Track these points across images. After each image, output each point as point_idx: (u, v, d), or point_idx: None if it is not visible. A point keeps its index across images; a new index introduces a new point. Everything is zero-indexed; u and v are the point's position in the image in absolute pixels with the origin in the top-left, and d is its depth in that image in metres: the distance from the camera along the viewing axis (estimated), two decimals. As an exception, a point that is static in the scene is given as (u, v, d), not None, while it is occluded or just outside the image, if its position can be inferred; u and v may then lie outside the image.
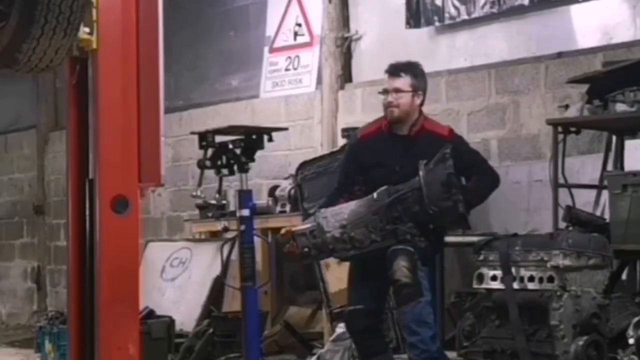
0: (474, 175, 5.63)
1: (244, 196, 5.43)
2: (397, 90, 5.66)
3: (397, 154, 5.59)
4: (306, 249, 5.53)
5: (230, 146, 5.58)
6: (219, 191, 5.73)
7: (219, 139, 5.71)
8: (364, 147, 5.76)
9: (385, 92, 5.70)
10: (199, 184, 5.68)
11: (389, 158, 5.59)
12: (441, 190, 5.24)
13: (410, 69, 5.77)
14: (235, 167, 5.58)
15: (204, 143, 5.54)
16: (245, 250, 5.43)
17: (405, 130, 5.68)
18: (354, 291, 5.71)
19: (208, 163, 5.46)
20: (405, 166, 5.46)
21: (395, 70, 5.76)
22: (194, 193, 5.72)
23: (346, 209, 5.48)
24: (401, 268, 5.30)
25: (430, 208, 5.26)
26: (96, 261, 4.80)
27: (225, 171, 5.62)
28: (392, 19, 8.46)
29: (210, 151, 5.56)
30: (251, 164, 5.64)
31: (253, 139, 5.70)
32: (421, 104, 5.73)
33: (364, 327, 5.61)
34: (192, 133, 5.84)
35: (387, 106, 5.69)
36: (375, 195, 5.41)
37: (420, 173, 5.29)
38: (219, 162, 5.51)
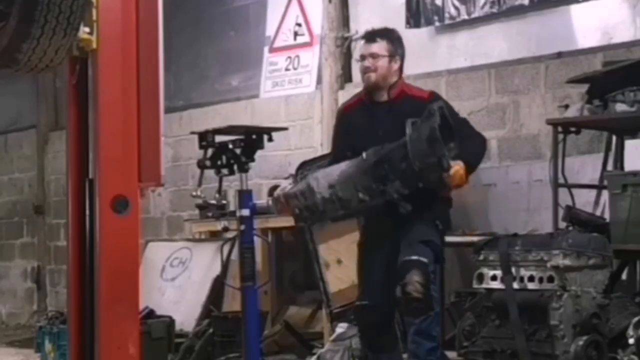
0: (462, 139, 5.47)
1: (244, 196, 5.42)
2: (374, 55, 5.65)
3: (379, 119, 5.58)
4: (297, 210, 5.48)
5: (230, 146, 5.56)
6: (219, 191, 5.70)
7: (219, 138, 5.71)
8: (347, 119, 5.79)
9: (362, 58, 5.70)
10: (199, 184, 5.66)
11: (372, 124, 5.59)
12: (426, 145, 5.17)
13: (387, 34, 5.77)
14: (235, 167, 5.57)
15: (203, 143, 5.52)
16: (245, 250, 5.42)
17: (385, 96, 5.67)
18: (362, 284, 5.71)
19: (208, 163, 5.44)
20: (388, 130, 5.44)
21: (371, 36, 5.77)
22: (194, 193, 5.70)
23: (336, 170, 5.46)
24: (414, 283, 5.26)
25: (415, 164, 5.21)
26: (96, 261, 4.80)
27: (225, 171, 5.61)
28: (392, 19, 8.43)
29: (210, 151, 5.55)
30: (251, 164, 5.63)
31: (253, 138, 5.69)
32: (400, 70, 5.71)
33: (370, 322, 5.60)
34: (192, 133, 5.82)
35: (364, 72, 5.69)
36: (364, 155, 5.36)
37: (407, 130, 5.23)
38: (219, 162, 5.49)
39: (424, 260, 5.32)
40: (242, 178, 5.47)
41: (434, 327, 5.37)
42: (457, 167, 5.28)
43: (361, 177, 5.33)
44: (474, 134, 5.67)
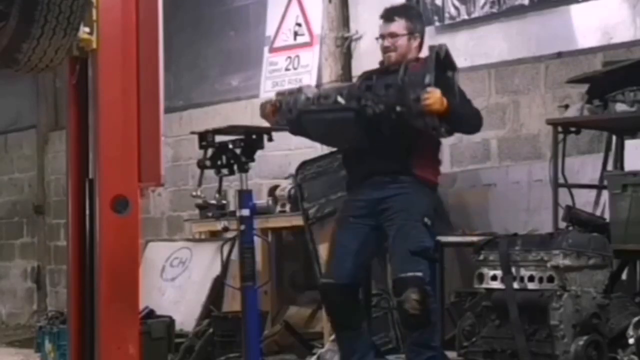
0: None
1: (244, 196, 5.41)
2: (393, 35, 5.68)
3: None
4: (278, 104, 5.71)
5: (230, 146, 5.56)
6: (219, 191, 5.70)
7: (218, 138, 5.71)
8: (363, 79, 5.82)
9: (382, 37, 5.73)
10: (199, 184, 5.66)
11: None
12: (421, 68, 5.31)
13: (405, 11, 5.81)
14: (235, 167, 5.57)
15: (203, 143, 5.51)
16: (246, 250, 5.41)
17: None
18: (331, 261, 5.69)
19: (208, 163, 5.43)
20: None
21: (389, 14, 5.78)
22: (194, 193, 5.70)
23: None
24: (411, 301, 5.27)
25: (403, 79, 5.28)
26: (96, 261, 4.80)
27: (225, 171, 5.61)
28: (392, 18, 8.46)
29: (210, 151, 5.54)
30: (251, 164, 5.63)
31: (253, 138, 5.69)
32: (420, 47, 5.74)
33: (335, 301, 5.60)
34: (192, 133, 5.82)
35: (385, 51, 5.73)
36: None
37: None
38: (219, 162, 5.48)
39: (419, 274, 5.31)
40: (242, 178, 5.46)
41: (432, 337, 5.38)
42: (437, 92, 5.30)
43: (349, 88, 5.55)
44: (472, 108, 5.72)
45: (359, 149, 5.65)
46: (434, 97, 5.28)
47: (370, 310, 6.42)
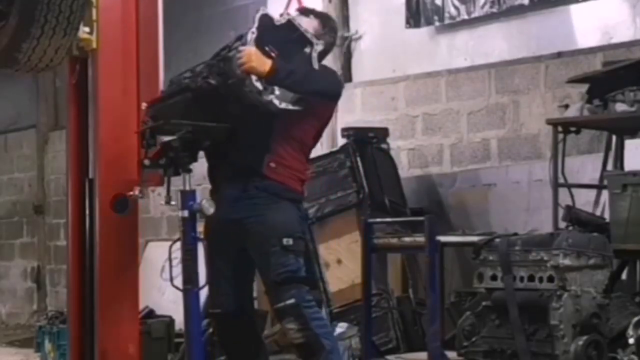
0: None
1: (186, 197, 5.24)
2: None
3: None
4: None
5: (174, 145, 5.20)
6: (168, 192, 5.35)
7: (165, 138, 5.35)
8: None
9: None
10: (167, 192, 5.34)
11: None
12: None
13: (323, 18, 5.31)
14: (179, 167, 5.26)
15: (144, 142, 5.15)
16: (187, 252, 5.29)
17: None
18: (210, 290, 5.39)
19: (147, 162, 5.12)
20: None
21: (307, 10, 5.35)
22: (162, 202, 5.41)
23: None
24: (289, 331, 5.00)
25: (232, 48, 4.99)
26: (96, 261, 4.81)
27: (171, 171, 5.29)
28: (392, 18, 8.46)
29: (152, 150, 5.21)
30: (194, 163, 5.32)
31: (195, 137, 5.34)
32: (322, 56, 5.11)
33: (227, 331, 5.35)
34: (136, 133, 5.40)
35: None
36: None
37: None
38: (160, 162, 5.17)
39: (291, 302, 4.98)
40: (185, 178, 5.24)
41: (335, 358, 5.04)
42: (251, 49, 4.83)
43: (194, 68, 5.18)
44: (326, 73, 5.14)
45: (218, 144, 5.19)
46: (247, 54, 4.81)
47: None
